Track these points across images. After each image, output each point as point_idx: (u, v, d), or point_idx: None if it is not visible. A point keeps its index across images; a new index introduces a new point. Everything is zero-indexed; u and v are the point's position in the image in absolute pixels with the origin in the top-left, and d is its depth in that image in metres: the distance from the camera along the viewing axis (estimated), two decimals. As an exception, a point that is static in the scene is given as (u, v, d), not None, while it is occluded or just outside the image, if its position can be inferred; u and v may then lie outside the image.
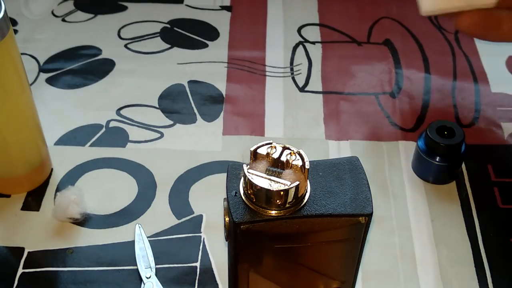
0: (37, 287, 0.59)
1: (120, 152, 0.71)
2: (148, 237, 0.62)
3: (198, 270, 0.60)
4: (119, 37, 0.86)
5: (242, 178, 0.45)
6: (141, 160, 0.70)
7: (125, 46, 0.85)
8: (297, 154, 0.45)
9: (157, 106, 0.76)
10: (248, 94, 0.78)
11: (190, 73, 0.81)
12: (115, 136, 0.72)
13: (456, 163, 0.66)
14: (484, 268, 0.61)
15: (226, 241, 0.48)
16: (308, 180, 0.46)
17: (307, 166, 0.44)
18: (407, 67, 0.82)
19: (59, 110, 0.76)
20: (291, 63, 0.82)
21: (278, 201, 0.44)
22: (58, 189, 0.67)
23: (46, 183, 0.67)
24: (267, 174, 0.44)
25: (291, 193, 0.44)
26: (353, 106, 0.77)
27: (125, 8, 0.91)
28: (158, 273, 0.60)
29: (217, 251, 0.62)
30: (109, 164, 0.69)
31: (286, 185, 0.43)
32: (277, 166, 0.45)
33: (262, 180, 0.44)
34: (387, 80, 0.80)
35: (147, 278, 0.59)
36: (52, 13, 0.90)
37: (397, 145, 0.72)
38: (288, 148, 0.45)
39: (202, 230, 0.63)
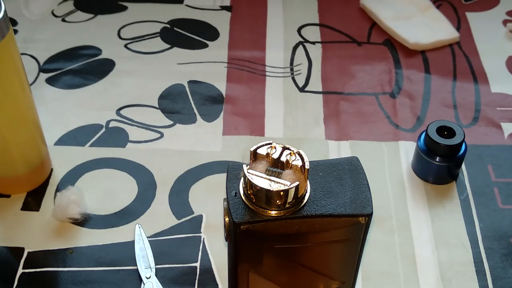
0: (37, 287, 0.59)
1: (120, 152, 0.71)
2: (148, 237, 0.62)
3: (198, 270, 0.60)
4: (119, 37, 0.86)
5: (242, 178, 0.45)
6: (141, 160, 0.70)
7: (125, 46, 0.85)
8: (297, 154, 0.45)
9: (157, 106, 0.76)
10: (248, 94, 0.78)
11: (190, 73, 0.81)
12: (115, 136, 0.72)
13: (456, 163, 0.66)
14: (484, 268, 0.61)
15: (226, 241, 0.48)
16: (308, 180, 0.46)
17: (307, 166, 0.44)
18: (407, 67, 0.82)
19: (59, 110, 0.76)
20: (291, 63, 0.82)
21: (278, 201, 0.44)
22: (58, 189, 0.67)
23: (46, 183, 0.67)
24: (267, 175, 0.44)
25: (291, 193, 0.44)
26: (353, 106, 0.77)
27: (125, 8, 0.91)
28: (158, 273, 0.60)
29: (217, 251, 0.62)
30: (109, 164, 0.69)
31: (286, 185, 0.43)
32: (277, 166, 0.45)
33: (262, 180, 0.44)
34: (387, 80, 0.80)
35: (147, 278, 0.59)
36: (52, 13, 0.90)
37: (397, 145, 0.72)
38: (288, 148, 0.45)
39: (202, 230, 0.63)
